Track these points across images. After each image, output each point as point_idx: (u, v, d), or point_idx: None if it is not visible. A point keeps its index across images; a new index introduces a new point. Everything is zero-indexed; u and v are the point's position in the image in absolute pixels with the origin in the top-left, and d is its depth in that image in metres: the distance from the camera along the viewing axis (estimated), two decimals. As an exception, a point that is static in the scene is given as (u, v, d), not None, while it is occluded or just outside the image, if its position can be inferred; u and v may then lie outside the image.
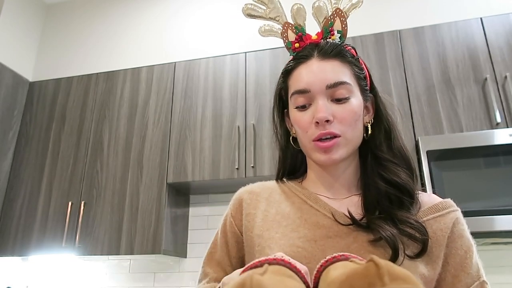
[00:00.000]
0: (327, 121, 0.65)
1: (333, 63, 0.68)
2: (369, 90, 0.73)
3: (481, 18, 2.04)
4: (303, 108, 0.69)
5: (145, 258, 2.37)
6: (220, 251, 0.75)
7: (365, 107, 0.72)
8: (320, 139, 0.66)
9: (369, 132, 0.71)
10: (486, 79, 1.90)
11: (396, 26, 2.17)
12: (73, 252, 2.13)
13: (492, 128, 1.83)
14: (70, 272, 2.45)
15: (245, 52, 2.31)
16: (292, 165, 0.79)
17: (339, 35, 0.72)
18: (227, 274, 0.72)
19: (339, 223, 0.65)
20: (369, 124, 0.72)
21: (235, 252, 0.74)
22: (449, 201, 0.70)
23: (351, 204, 0.69)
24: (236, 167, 2.05)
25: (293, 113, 0.71)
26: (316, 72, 0.67)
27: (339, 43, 0.71)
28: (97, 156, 2.31)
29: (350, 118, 0.66)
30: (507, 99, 1.85)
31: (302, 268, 0.51)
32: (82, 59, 2.68)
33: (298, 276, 0.47)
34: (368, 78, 0.73)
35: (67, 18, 2.86)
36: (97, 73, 2.51)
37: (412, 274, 0.56)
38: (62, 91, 2.53)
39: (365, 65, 0.74)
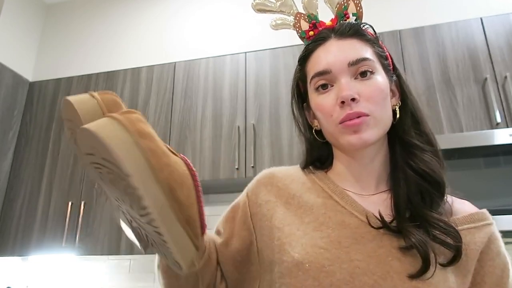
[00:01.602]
0: (353, 100, 0.60)
1: (352, 41, 0.65)
2: (392, 72, 0.69)
3: (481, 18, 2.04)
4: (324, 89, 0.64)
5: (145, 258, 2.37)
6: (223, 228, 0.71)
7: (391, 90, 0.67)
8: (348, 119, 0.60)
9: (397, 116, 0.66)
10: (486, 79, 1.90)
11: (396, 26, 2.17)
12: (73, 252, 2.13)
13: (492, 128, 1.83)
14: (70, 272, 2.45)
15: (245, 52, 2.31)
16: (319, 156, 0.73)
17: (355, 17, 0.69)
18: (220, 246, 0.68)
19: (369, 224, 0.60)
20: (396, 107, 0.67)
21: (243, 232, 0.68)
22: (485, 212, 0.65)
23: (379, 202, 0.64)
24: (236, 167, 2.05)
25: (314, 99, 0.65)
26: (336, 52, 0.64)
27: (356, 23, 0.68)
28: (97, 156, 2.30)
29: (377, 96, 0.61)
30: (507, 99, 1.85)
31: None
32: (82, 59, 2.68)
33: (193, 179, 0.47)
34: (390, 59, 0.69)
35: (67, 18, 2.86)
36: (97, 73, 2.51)
37: (439, 284, 0.55)
38: (62, 91, 2.53)
39: (384, 46, 0.70)
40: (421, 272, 0.54)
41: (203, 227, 0.48)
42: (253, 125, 2.13)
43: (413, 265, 0.55)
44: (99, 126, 0.36)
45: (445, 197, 0.63)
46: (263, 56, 2.27)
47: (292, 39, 2.26)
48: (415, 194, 0.61)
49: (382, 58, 0.67)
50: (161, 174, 0.41)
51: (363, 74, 0.62)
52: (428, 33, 2.08)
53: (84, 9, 2.85)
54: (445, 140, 1.81)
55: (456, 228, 0.59)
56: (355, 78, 0.62)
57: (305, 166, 0.73)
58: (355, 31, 0.66)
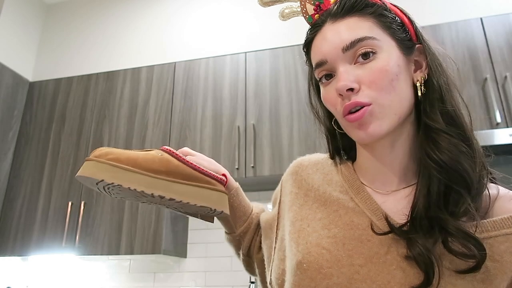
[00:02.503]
0: (351, 90, 0.53)
1: (348, 21, 0.57)
2: (413, 41, 0.59)
3: (481, 18, 2.04)
4: (328, 79, 0.58)
5: (145, 258, 2.37)
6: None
7: (415, 62, 0.59)
8: (350, 112, 0.54)
9: (419, 92, 0.56)
10: (486, 79, 1.90)
11: (396, 26, 2.17)
12: (73, 252, 2.13)
13: (492, 128, 1.83)
14: (70, 272, 2.45)
15: (245, 52, 2.31)
16: (343, 146, 0.67)
17: None
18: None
19: (373, 229, 0.55)
20: (418, 82, 0.56)
21: (272, 215, 0.72)
22: None
23: (399, 199, 0.57)
24: (236, 167, 2.05)
25: (321, 90, 0.60)
26: (329, 38, 0.57)
27: None
28: (97, 156, 2.30)
29: (381, 79, 0.53)
30: (507, 99, 1.85)
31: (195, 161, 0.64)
32: (82, 59, 2.68)
33: (183, 162, 0.62)
34: (410, 25, 0.59)
35: (67, 18, 2.86)
36: (97, 73, 2.51)
37: None
38: (62, 91, 2.53)
39: (401, 11, 0.60)
40: (422, 286, 0.48)
41: (214, 177, 0.63)
42: (253, 125, 2.13)
43: (418, 277, 0.49)
44: (82, 169, 0.56)
45: (483, 191, 0.53)
46: (263, 56, 2.27)
47: (292, 39, 2.27)
48: (436, 191, 0.52)
49: (392, 29, 0.57)
50: (130, 167, 0.57)
51: (365, 56, 0.54)
52: (428, 33, 2.08)
53: (84, 9, 2.85)
54: (445, 140, 1.81)
55: (491, 234, 0.50)
56: (356, 63, 0.55)
57: (332, 157, 0.68)
58: (350, 8, 0.57)
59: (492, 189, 0.55)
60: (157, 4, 2.70)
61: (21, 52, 2.64)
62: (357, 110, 0.53)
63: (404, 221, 0.53)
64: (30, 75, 2.68)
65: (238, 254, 0.76)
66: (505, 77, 1.88)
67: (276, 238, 0.67)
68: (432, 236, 0.50)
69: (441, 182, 0.52)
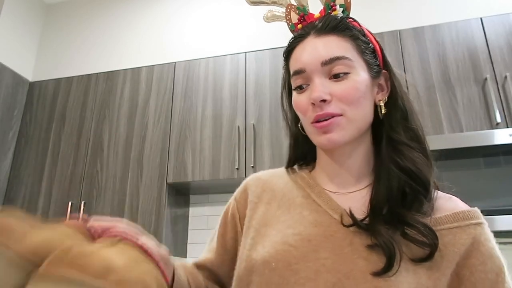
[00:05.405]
0: (324, 101, 0.60)
1: (329, 38, 0.63)
2: (381, 66, 0.66)
3: (481, 18, 2.04)
4: (301, 89, 0.64)
5: (145, 258, 2.37)
6: (217, 233, 0.74)
7: (378, 85, 0.66)
8: (318, 121, 0.61)
9: (383, 111, 0.64)
10: (486, 79, 1.90)
11: (396, 26, 2.17)
12: (73, 252, 2.13)
13: (492, 128, 1.83)
14: (70, 272, 2.45)
15: (245, 52, 2.31)
16: (304, 152, 0.73)
17: (342, 9, 0.68)
18: (216, 255, 0.72)
19: (341, 222, 0.59)
20: (381, 102, 0.65)
21: (233, 233, 0.72)
22: (472, 211, 0.60)
23: (358, 199, 0.62)
24: (236, 167, 2.05)
25: (293, 96, 0.66)
26: (310, 50, 0.63)
27: (339, 17, 0.66)
28: (97, 156, 2.31)
29: (351, 96, 0.60)
30: (507, 99, 1.85)
31: (155, 251, 0.51)
32: (82, 59, 2.68)
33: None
34: (379, 53, 0.67)
35: (67, 18, 2.86)
36: (97, 73, 2.51)
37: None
38: (62, 91, 2.53)
39: (374, 39, 0.68)
40: (384, 270, 0.53)
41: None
42: (253, 125, 2.13)
43: (378, 264, 0.53)
44: None
45: (433, 195, 0.60)
46: (263, 56, 2.27)
47: (292, 39, 2.27)
48: (396, 192, 0.59)
49: (365, 53, 0.64)
50: None
51: (337, 76, 0.61)
52: (428, 33, 2.08)
53: (84, 9, 2.85)
54: (445, 140, 1.81)
55: (435, 228, 0.56)
56: (330, 78, 0.61)
57: (288, 165, 0.74)
58: (334, 27, 0.64)
59: (434, 193, 0.64)
60: (157, 4, 2.70)
61: (21, 52, 2.64)
62: (326, 120, 0.60)
63: (364, 216, 0.59)
64: (30, 75, 2.68)
65: None
66: (505, 77, 1.88)
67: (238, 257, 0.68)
68: (391, 227, 0.56)
69: (401, 183, 0.59)
